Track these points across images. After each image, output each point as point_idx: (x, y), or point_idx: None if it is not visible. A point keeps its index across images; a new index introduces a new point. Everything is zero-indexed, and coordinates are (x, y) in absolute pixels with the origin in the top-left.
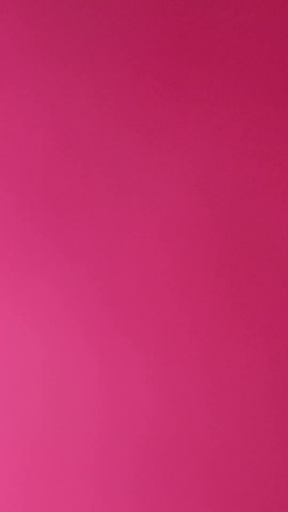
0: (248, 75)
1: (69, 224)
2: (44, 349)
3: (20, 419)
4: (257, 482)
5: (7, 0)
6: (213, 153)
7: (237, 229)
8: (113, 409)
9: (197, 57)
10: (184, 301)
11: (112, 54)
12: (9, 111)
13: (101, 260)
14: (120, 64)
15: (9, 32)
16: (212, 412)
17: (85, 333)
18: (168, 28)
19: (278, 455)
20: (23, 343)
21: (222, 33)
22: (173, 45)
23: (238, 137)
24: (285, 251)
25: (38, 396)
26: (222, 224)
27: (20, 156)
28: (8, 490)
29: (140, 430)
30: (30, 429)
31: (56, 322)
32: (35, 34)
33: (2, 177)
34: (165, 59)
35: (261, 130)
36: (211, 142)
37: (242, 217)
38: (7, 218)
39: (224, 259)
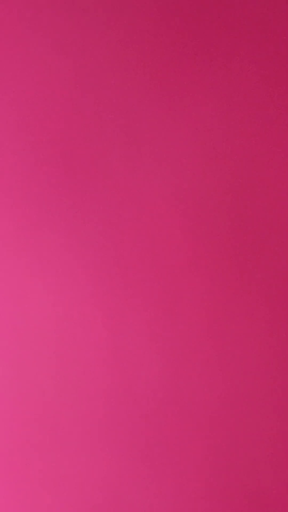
0: (267, 35)
1: (80, 177)
2: (49, 299)
3: (24, 366)
4: (257, 438)
5: None
6: (228, 119)
7: (247, 194)
8: (116, 362)
9: (216, 19)
10: (191, 261)
11: (134, 10)
12: (25, 69)
13: (111, 215)
14: (142, 21)
15: None
16: (213, 368)
17: (90, 286)
18: None
19: (279, 413)
20: (29, 292)
21: None
22: (196, 7)
23: (254, 103)
24: None
25: (42, 346)
26: (233, 188)
27: (35, 112)
28: (11, 437)
29: (143, 384)
30: (33, 377)
31: (63, 274)
32: None
33: (16, 130)
34: (188, 19)
35: (279, 97)
36: (227, 107)
37: (252, 184)
38: (18, 170)
39: (233, 223)
